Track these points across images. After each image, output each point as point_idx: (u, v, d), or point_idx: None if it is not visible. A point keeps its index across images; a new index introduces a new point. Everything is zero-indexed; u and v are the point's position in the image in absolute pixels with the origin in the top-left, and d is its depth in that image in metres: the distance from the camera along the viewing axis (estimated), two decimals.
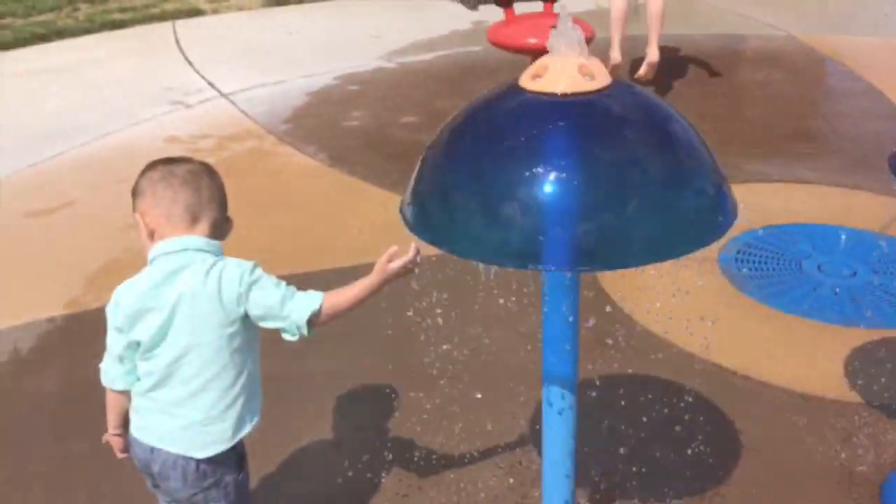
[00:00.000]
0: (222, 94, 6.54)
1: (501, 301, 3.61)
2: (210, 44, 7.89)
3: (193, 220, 1.98)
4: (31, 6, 8.96)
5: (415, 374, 3.21)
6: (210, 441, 1.99)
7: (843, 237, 4.20)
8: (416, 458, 2.82)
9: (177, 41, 7.96)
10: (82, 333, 3.68)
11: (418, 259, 1.97)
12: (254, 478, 2.75)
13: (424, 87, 6.59)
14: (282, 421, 3.01)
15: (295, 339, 1.96)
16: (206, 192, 2.00)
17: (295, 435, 2.98)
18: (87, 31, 8.30)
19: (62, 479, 2.85)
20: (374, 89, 6.63)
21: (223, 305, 1.92)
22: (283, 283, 1.97)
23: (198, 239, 1.98)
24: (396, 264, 1.97)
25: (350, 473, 2.79)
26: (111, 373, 2.04)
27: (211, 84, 6.75)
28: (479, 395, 3.11)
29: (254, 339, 2.01)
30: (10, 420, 3.17)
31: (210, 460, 2.00)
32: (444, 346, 3.35)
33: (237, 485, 2.05)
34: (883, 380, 3.12)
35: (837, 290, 3.77)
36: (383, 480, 2.74)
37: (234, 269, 1.93)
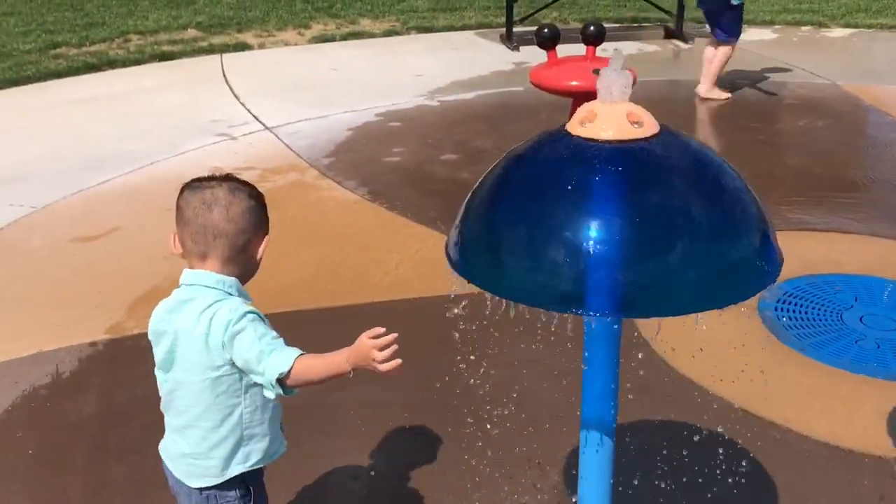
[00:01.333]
0: (266, 127, 6.67)
1: (541, 345, 3.60)
2: (256, 78, 8.06)
3: (201, 255, 1.96)
4: (85, 36, 9.24)
5: (449, 410, 3.20)
6: (200, 473, 2.03)
7: (888, 289, 4.14)
8: (446, 496, 2.81)
9: (223, 74, 8.15)
10: (122, 358, 3.74)
11: (387, 357, 1.82)
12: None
13: (465, 125, 6.66)
14: (313, 450, 3.02)
15: (272, 395, 1.90)
16: (215, 226, 1.93)
17: (324, 464, 2.98)
18: (138, 62, 8.53)
19: (97, 503, 2.88)
20: (415, 126, 6.72)
21: (209, 349, 1.90)
22: (269, 337, 1.88)
23: (208, 275, 1.94)
24: (375, 342, 1.82)
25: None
26: None
27: (256, 117, 6.89)
28: (515, 437, 3.09)
29: (252, 384, 1.94)
30: (49, 442, 3.21)
31: (209, 488, 2.03)
32: (482, 384, 3.34)
33: None
34: None
35: (880, 343, 3.71)
36: None
37: (224, 314, 1.88)
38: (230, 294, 1.95)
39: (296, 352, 1.88)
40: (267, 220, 2.03)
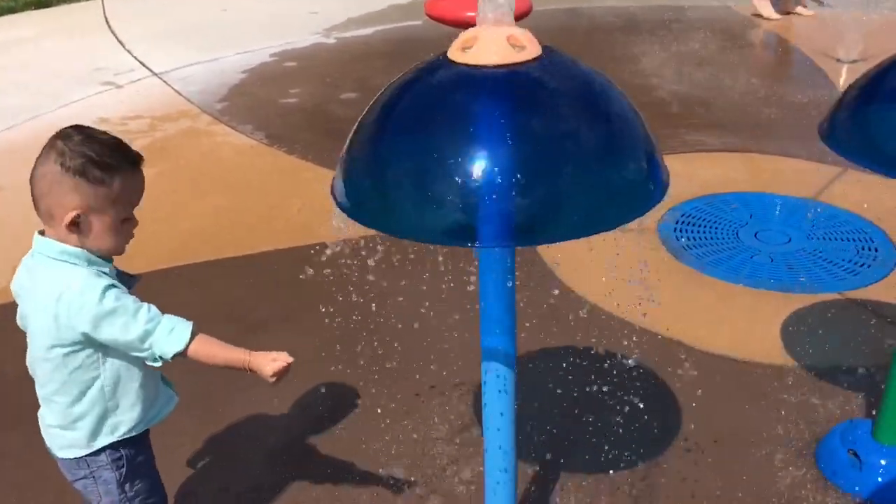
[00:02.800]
0: (154, 74, 6.38)
1: (439, 278, 3.59)
2: (141, 22, 7.67)
3: (46, 215, 1.79)
4: None
5: (356, 350, 3.18)
6: (67, 444, 1.97)
7: (779, 204, 4.27)
8: (356, 436, 2.80)
9: (105, 19, 7.73)
10: (10, 324, 3.55)
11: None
12: (183, 458, 2.71)
13: (364, 62, 6.51)
14: (224, 399, 2.96)
15: (158, 365, 1.85)
16: (52, 179, 1.75)
17: (237, 412, 2.93)
18: (11, 10, 8.01)
19: None
20: (312, 65, 6.53)
21: (59, 328, 1.79)
22: (143, 311, 1.80)
23: (50, 244, 1.80)
24: (272, 367, 1.88)
25: (283, 455, 2.75)
26: None
27: (142, 63, 6.58)
28: (419, 374, 3.09)
29: (112, 352, 1.86)
30: None
31: (78, 459, 1.96)
32: (386, 322, 3.32)
33: (120, 482, 2.00)
34: (817, 344, 3.18)
35: (773, 257, 3.83)
36: (320, 461, 2.71)
37: (76, 294, 1.76)
38: (75, 265, 1.80)
39: (185, 325, 1.83)
40: (86, 195, 1.77)
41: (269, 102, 5.85)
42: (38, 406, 2.73)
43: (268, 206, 4.44)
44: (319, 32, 7.25)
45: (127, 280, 1.94)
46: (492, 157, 1.48)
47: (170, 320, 1.83)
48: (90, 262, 1.83)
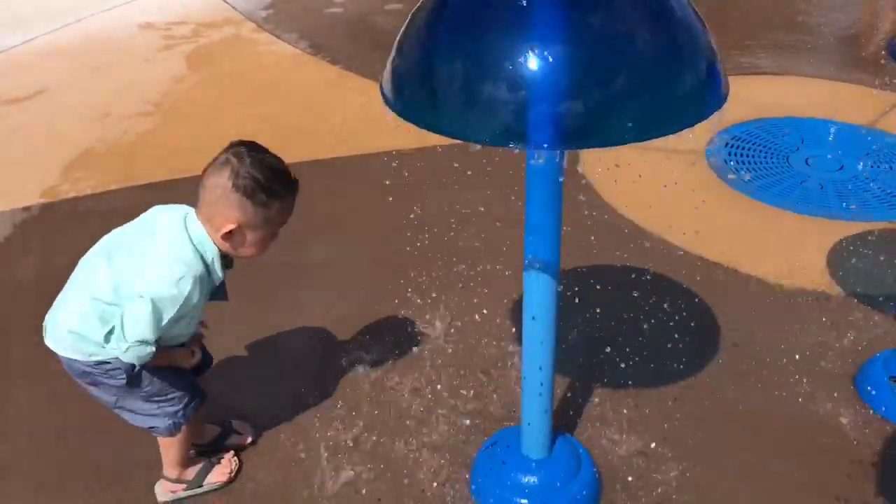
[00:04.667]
0: None
1: (486, 191, 3.57)
2: None
3: (206, 216, 1.99)
4: None
5: (399, 260, 3.19)
6: (77, 349, 2.06)
7: (832, 131, 4.15)
8: (394, 351, 2.83)
9: None
10: (58, 223, 3.63)
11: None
12: (220, 357, 2.77)
13: None
14: (262, 311, 3.01)
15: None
16: (222, 193, 1.96)
17: (272, 320, 2.97)
18: None
19: (39, 366, 2.83)
20: None
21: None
22: (145, 331, 1.97)
23: (195, 226, 2.01)
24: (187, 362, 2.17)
25: (321, 367, 2.80)
26: None
27: None
28: (462, 286, 3.10)
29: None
30: None
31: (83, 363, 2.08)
32: (426, 236, 3.32)
33: (127, 390, 2.10)
34: (864, 272, 3.12)
35: (823, 184, 3.74)
36: (357, 374, 2.75)
37: (160, 271, 1.96)
38: (191, 253, 1.97)
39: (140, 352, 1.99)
40: (248, 213, 1.94)
41: (313, 12, 5.76)
42: None
43: (310, 116, 4.42)
44: None
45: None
46: (545, 56, 1.44)
47: (135, 349, 1.98)
48: (211, 256, 1.98)
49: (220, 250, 1.99)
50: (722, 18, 5.47)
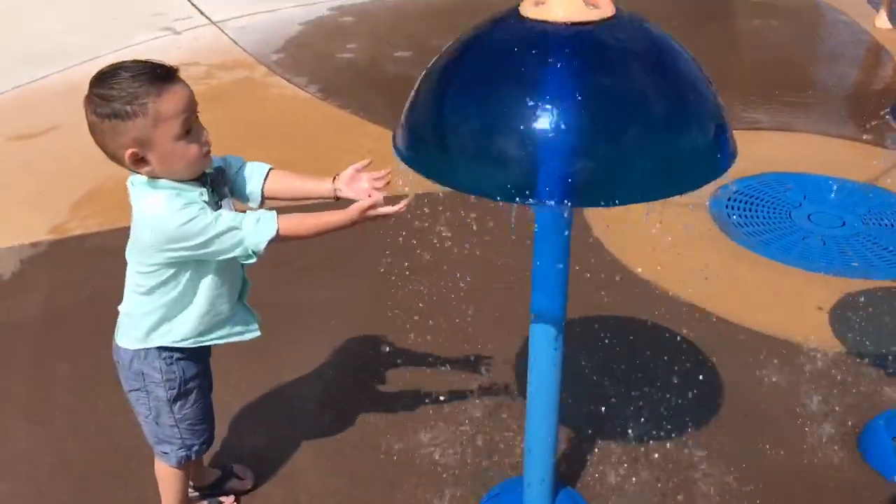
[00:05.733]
0: (212, 22, 6.41)
1: (490, 238, 3.59)
2: None
3: (116, 160, 1.87)
4: None
5: (401, 308, 3.20)
6: (126, 333, 2.04)
7: (834, 187, 4.18)
8: (397, 389, 2.83)
9: None
10: (65, 259, 3.65)
11: (401, 209, 1.91)
12: (227, 398, 2.76)
13: (420, 20, 6.47)
14: (272, 347, 3.01)
15: (253, 260, 1.90)
16: (96, 129, 1.82)
17: (286, 361, 2.98)
18: None
19: (42, 401, 2.84)
20: (369, 21, 6.51)
21: (146, 246, 1.90)
22: (224, 214, 1.87)
23: (134, 176, 1.90)
24: (375, 212, 1.90)
25: (326, 403, 2.79)
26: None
27: (200, 11, 6.61)
28: (464, 333, 3.10)
29: (192, 266, 1.94)
30: None
31: (136, 371, 2.04)
32: (431, 283, 3.34)
33: (170, 400, 2.07)
34: (865, 329, 3.13)
35: (826, 240, 3.77)
36: (362, 412, 2.75)
37: (160, 217, 1.85)
38: (157, 189, 1.87)
39: (268, 212, 1.88)
40: (129, 132, 1.78)
41: (324, 56, 5.85)
42: (89, 340, 2.82)
43: (318, 159, 4.46)
44: None
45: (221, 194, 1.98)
46: (557, 115, 1.47)
47: (252, 214, 1.87)
48: (171, 188, 1.86)
49: (172, 180, 1.86)
50: (725, 73, 5.55)
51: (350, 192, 2.01)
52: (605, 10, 1.55)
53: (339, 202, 2.03)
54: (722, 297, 3.31)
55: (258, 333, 2.14)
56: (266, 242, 1.85)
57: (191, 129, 1.84)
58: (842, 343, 3.08)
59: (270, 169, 2.09)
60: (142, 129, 1.78)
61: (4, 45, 5.92)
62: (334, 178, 2.05)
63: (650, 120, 1.50)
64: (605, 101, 1.49)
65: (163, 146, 1.81)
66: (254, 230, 1.85)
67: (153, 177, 1.86)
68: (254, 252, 1.87)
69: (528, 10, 1.57)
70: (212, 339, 2.08)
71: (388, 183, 1.98)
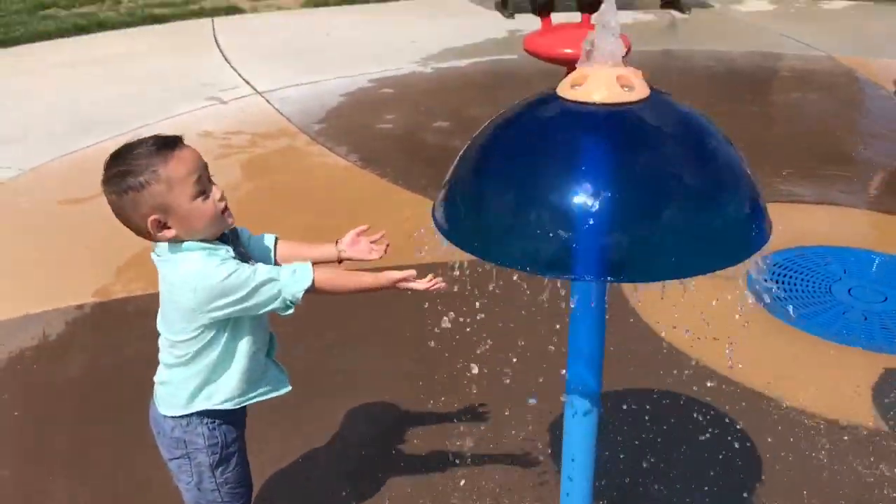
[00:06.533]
0: (257, 92, 6.61)
1: (530, 311, 3.60)
2: (247, 42, 7.98)
3: (142, 233, 1.95)
4: None
5: (440, 378, 3.21)
6: (167, 401, 2.08)
7: (876, 262, 4.15)
8: (428, 456, 2.82)
9: (215, 38, 8.06)
10: (109, 321, 3.73)
11: (432, 287, 2.02)
12: (264, 465, 2.77)
13: (458, 93, 6.61)
14: (308, 413, 3.03)
15: (290, 311, 1.96)
16: (117, 210, 1.92)
17: (319, 427, 2.99)
18: (128, 25, 8.43)
19: (81, 461, 2.88)
20: (408, 93, 6.66)
21: (185, 310, 1.96)
22: (261, 266, 1.94)
23: (160, 245, 1.96)
24: (406, 284, 2.01)
25: (360, 471, 2.79)
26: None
27: (247, 81, 6.83)
28: (496, 402, 3.10)
29: (229, 325, 1.99)
30: (35, 403, 3.21)
31: (176, 437, 2.07)
32: (471, 354, 3.35)
33: (212, 465, 2.09)
34: None
35: (867, 315, 3.72)
36: (396, 478, 2.74)
37: (198, 276, 1.91)
38: (190, 251, 1.94)
39: (303, 264, 1.96)
40: (146, 202, 1.86)
41: (364, 126, 5.99)
42: (128, 402, 2.86)
43: (355, 226, 4.54)
44: (417, 61, 7.39)
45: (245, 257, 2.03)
46: (594, 193, 1.51)
47: (287, 265, 1.95)
48: (202, 248, 1.93)
49: (197, 240, 1.93)
50: (764, 146, 5.57)
51: (352, 252, 2.18)
52: (640, 91, 1.59)
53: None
54: (761, 371, 3.27)
55: (290, 388, 2.18)
56: (303, 291, 1.91)
57: (205, 188, 1.92)
58: (884, 420, 3.02)
59: (277, 238, 2.19)
60: (158, 195, 1.86)
61: (62, 114, 6.15)
62: (337, 241, 2.19)
63: (684, 198, 1.53)
64: (639, 179, 1.52)
65: (181, 208, 1.88)
66: (291, 280, 1.91)
67: (178, 241, 1.93)
68: (291, 303, 1.92)
69: (566, 92, 1.62)
70: (254, 397, 2.12)
71: (387, 246, 2.17)
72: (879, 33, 8.39)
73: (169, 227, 1.90)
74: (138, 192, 1.86)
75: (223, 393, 2.06)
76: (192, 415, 2.06)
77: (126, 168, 1.86)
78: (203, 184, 1.91)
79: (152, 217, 1.88)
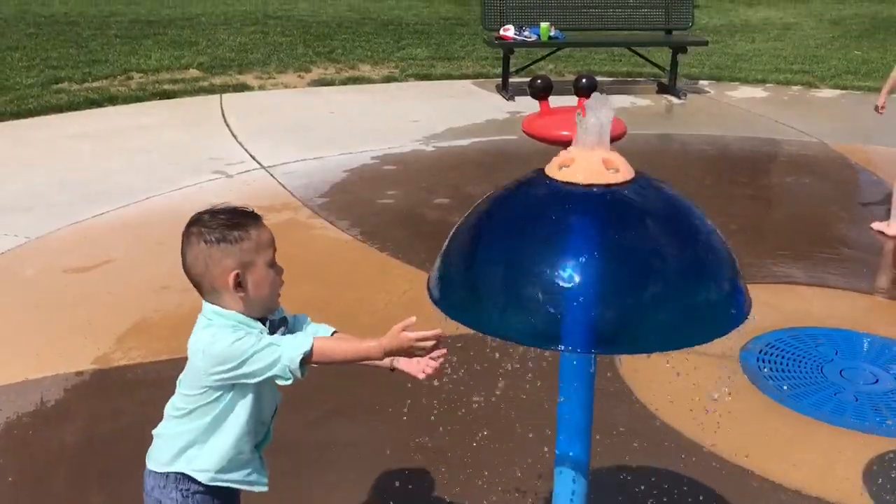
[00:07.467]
0: (262, 167, 6.76)
1: (522, 383, 3.64)
2: (254, 118, 8.18)
3: (210, 290, 2.04)
4: (88, 73, 9.38)
5: (432, 450, 3.22)
6: (153, 455, 2.13)
7: (867, 343, 4.20)
8: None
9: (223, 114, 8.27)
10: (108, 389, 3.76)
11: (435, 343, 1.94)
12: None
13: (458, 171, 6.76)
14: (293, 489, 3.04)
15: (289, 381, 1.99)
16: (204, 257, 2.00)
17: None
18: (139, 100, 8.65)
19: None
20: (409, 170, 6.82)
21: (195, 374, 2.04)
22: (266, 336, 2.01)
23: (206, 306, 2.06)
24: (410, 334, 1.95)
25: None
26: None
27: (252, 156, 6.99)
28: (493, 475, 3.11)
29: (229, 395, 2.04)
30: (30, 469, 3.22)
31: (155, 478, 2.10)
32: (463, 422, 3.37)
33: None
34: None
35: (858, 396, 3.75)
36: None
37: (210, 343, 1.99)
38: (219, 324, 2.02)
39: (304, 334, 2.04)
40: (236, 254, 1.99)
41: (366, 201, 6.11)
42: (125, 470, 2.88)
43: (355, 299, 4.61)
44: (419, 140, 7.58)
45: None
46: (580, 269, 1.59)
47: (291, 336, 2.03)
48: (239, 323, 2.01)
49: (242, 313, 2.01)
50: (758, 228, 5.68)
51: (407, 368, 2.13)
52: (625, 173, 1.68)
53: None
54: (752, 451, 3.29)
55: (266, 489, 2.21)
56: (300, 356, 1.95)
57: (275, 261, 2.07)
58: (875, 502, 3.02)
59: (335, 332, 2.18)
60: (247, 252, 2.00)
61: (69, 184, 6.28)
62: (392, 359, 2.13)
63: (665, 275, 1.61)
64: (623, 257, 1.60)
65: (259, 271, 2.02)
66: (290, 345, 1.97)
67: (226, 309, 2.01)
68: (291, 371, 1.96)
69: (554, 172, 1.71)
70: (228, 480, 2.13)
71: (444, 353, 2.02)
72: (869, 120, 8.59)
73: (244, 287, 2.00)
74: (230, 245, 1.98)
75: (204, 461, 2.09)
76: (169, 474, 2.10)
77: (221, 221, 1.99)
78: (274, 257, 2.07)
79: (235, 272, 1.98)
